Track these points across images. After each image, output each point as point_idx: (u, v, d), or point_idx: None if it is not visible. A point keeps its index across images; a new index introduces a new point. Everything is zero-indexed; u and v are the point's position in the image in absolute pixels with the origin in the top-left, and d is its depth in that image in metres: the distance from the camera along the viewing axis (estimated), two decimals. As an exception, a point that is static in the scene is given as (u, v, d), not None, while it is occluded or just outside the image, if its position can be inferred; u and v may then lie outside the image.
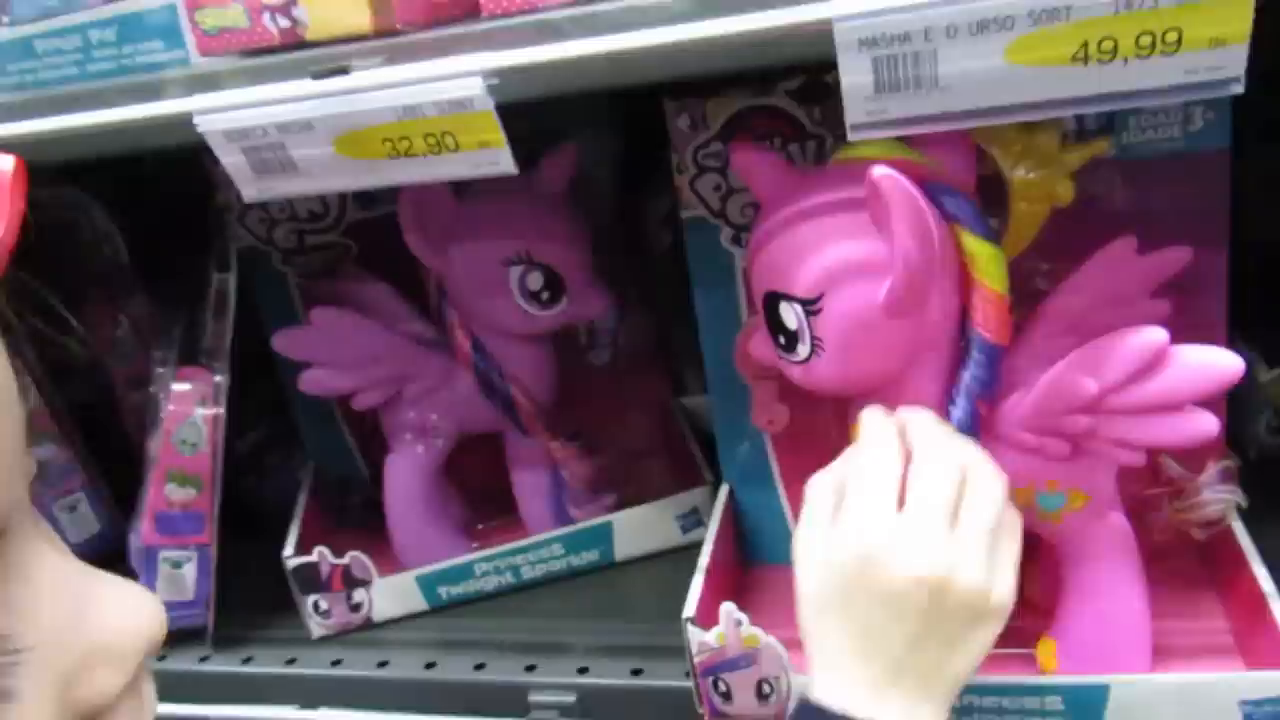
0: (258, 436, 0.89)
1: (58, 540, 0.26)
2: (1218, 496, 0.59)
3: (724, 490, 0.69)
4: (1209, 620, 0.59)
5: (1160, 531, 0.60)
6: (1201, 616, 0.60)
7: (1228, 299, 0.59)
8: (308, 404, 0.81)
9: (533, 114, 0.47)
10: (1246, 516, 0.60)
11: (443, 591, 0.75)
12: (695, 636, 0.56)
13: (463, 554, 0.75)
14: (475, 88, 0.44)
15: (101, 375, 0.86)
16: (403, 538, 0.76)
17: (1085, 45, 0.38)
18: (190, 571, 0.72)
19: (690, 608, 0.57)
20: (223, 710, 0.70)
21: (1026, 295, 0.54)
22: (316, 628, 0.73)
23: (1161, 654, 0.56)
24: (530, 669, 0.67)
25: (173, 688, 0.71)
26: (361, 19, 0.47)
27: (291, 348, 0.70)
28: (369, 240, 0.77)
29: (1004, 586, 0.45)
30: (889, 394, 0.51)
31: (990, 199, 0.52)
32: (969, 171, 0.51)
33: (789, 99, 0.59)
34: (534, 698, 0.64)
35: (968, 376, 0.50)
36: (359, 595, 0.73)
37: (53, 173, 0.76)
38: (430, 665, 0.69)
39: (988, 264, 0.49)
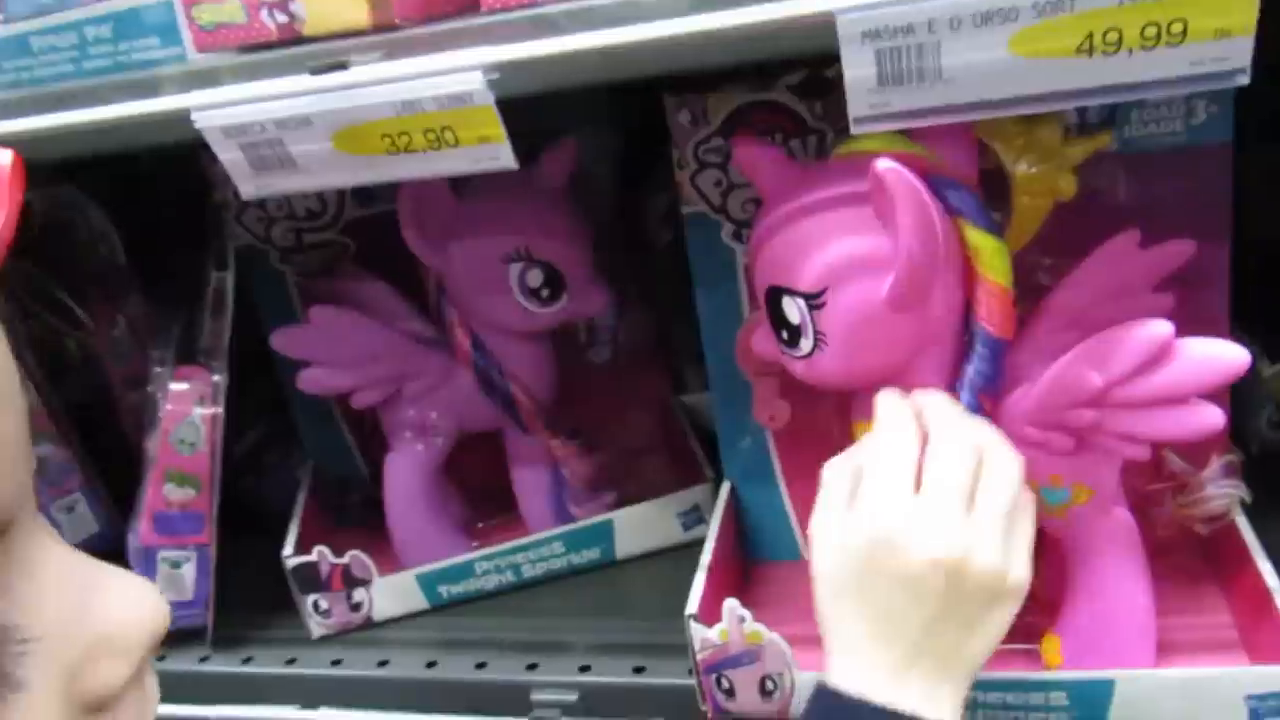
0: (256, 436, 0.89)
1: (58, 535, 0.26)
2: (1221, 491, 0.59)
3: (726, 487, 0.69)
4: (1213, 615, 0.59)
5: (1163, 527, 0.60)
6: (1205, 612, 0.59)
7: (1230, 293, 0.59)
8: (306, 403, 0.80)
9: (531, 110, 0.47)
10: (1249, 511, 0.60)
11: (443, 590, 0.74)
12: (698, 633, 0.56)
13: (463, 553, 0.74)
14: (475, 82, 0.43)
15: (99, 375, 0.85)
16: (403, 536, 0.75)
17: (1090, 36, 0.38)
18: (189, 571, 0.72)
19: (693, 605, 0.57)
20: (223, 711, 0.70)
21: (1029, 290, 0.54)
22: (316, 627, 0.73)
23: (1165, 649, 0.55)
24: (532, 668, 0.66)
25: (172, 688, 0.70)
26: (359, 14, 0.47)
27: (290, 346, 0.70)
28: (367, 238, 0.77)
29: (1020, 568, 0.45)
30: (893, 388, 0.51)
31: (992, 193, 0.52)
32: (971, 165, 0.50)
33: (790, 94, 0.59)
34: (536, 696, 0.64)
35: (971, 370, 0.50)
36: (359, 594, 0.73)
37: (49, 171, 0.76)
38: (431, 664, 0.69)
39: (991, 257, 0.49)
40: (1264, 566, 0.56)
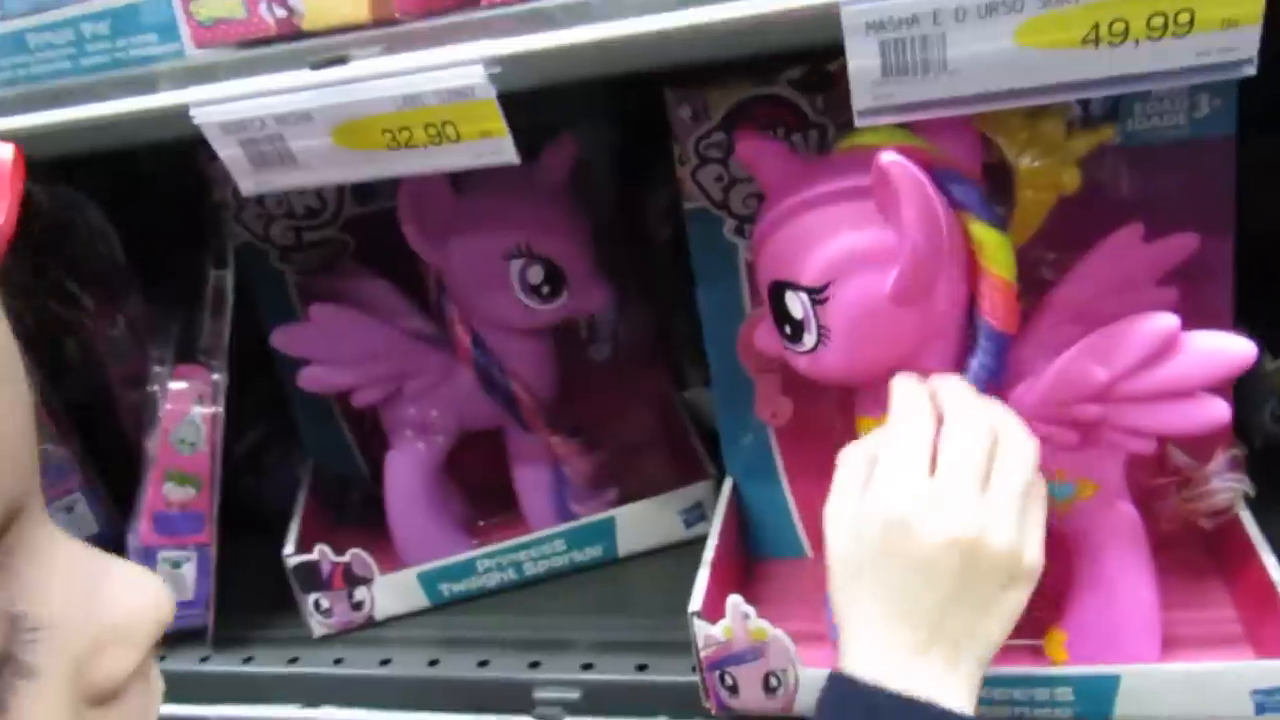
0: (256, 435, 0.89)
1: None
2: (1226, 485, 0.59)
3: (728, 484, 0.69)
4: (1217, 610, 0.59)
5: (1167, 521, 0.60)
6: (1210, 606, 0.59)
7: (1233, 287, 0.58)
8: (306, 402, 0.80)
9: (531, 106, 0.47)
10: (1253, 506, 0.60)
11: (445, 589, 0.74)
12: (702, 630, 0.56)
13: (464, 551, 0.74)
14: (476, 76, 0.43)
15: (98, 375, 0.85)
16: (404, 535, 0.75)
17: (1096, 27, 0.38)
18: (190, 571, 0.72)
19: (696, 601, 0.57)
20: (224, 710, 0.70)
21: (1032, 284, 0.53)
22: (318, 626, 0.73)
23: (1170, 644, 0.55)
24: (534, 666, 0.66)
25: (173, 688, 0.69)
26: (359, 8, 0.47)
27: (290, 345, 0.70)
28: (367, 236, 0.77)
29: (1034, 549, 0.45)
30: (896, 384, 0.50)
31: (995, 188, 0.52)
32: (975, 158, 0.50)
33: (791, 88, 0.59)
34: (538, 694, 0.64)
35: (975, 365, 0.50)
36: (360, 593, 0.73)
37: (47, 168, 0.75)
38: (433, 663, 0.68)
39: (995, 251, 0.49)
40: (1268, 560, 0.55)
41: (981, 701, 0.53)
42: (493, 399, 0.72)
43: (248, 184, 0.50)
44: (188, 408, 0.71)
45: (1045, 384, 0.49)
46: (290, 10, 0.47)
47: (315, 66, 0.45)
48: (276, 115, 0.47)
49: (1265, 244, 0.60)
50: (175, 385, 0.71)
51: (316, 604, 0.72)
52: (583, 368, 0.79)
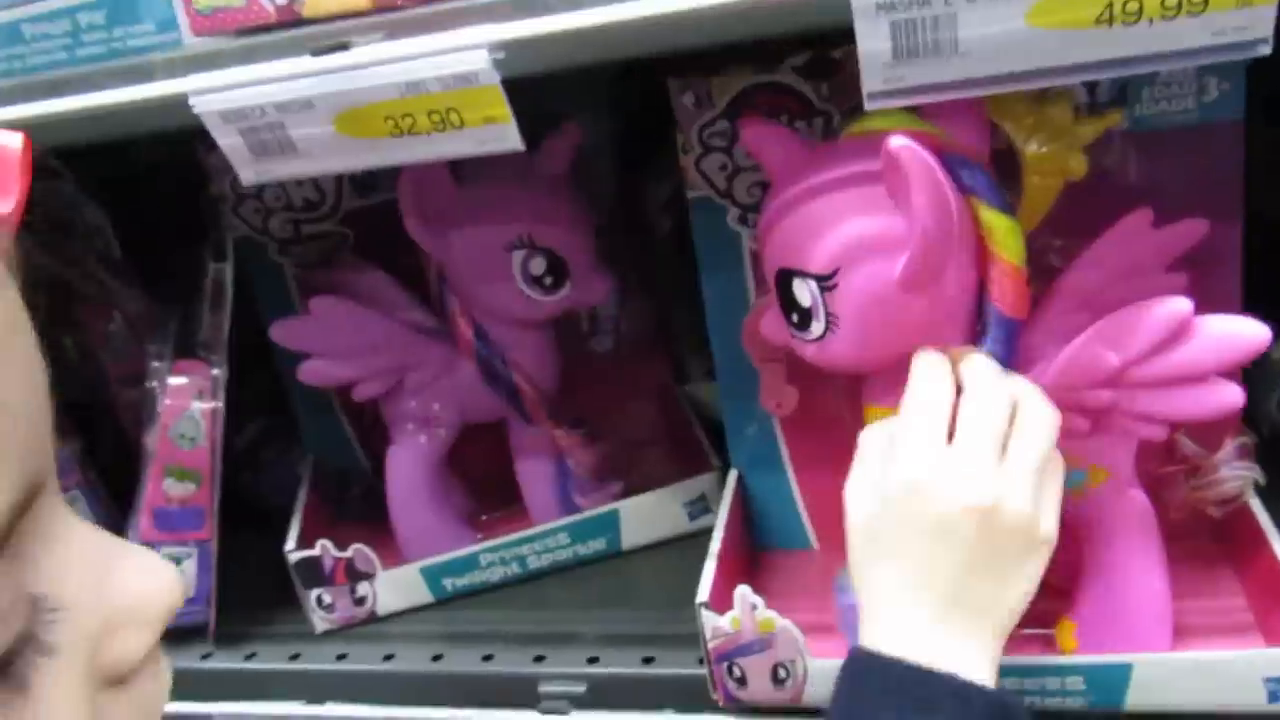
0: (255, 431, 0.88)
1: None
2: (1235, 474, 0.59)
3: (733, 475, 0.69)
4: (1228, 598, 0.59)
5: (1176, 510, 0.60)
6: (1220, 595, 0.59)
7: (1241, 273, 0.58)
8: (306, 396, 0.80)
9: (531, 95, 0.46)
10: (1263, 494, 0.59)
11: (448, 583, 0.74)
12: (709, 621, 0.55)
13: (467, 545, 0.74)
14: (480, 61, 0.42)
15: (96, 371, 0.84)
16: (406, 530, 0.75)
17: (1109, 6, 0.37)
18: (190, 568, 0.71)
19: (704, 593, 0.56)
20: (227, 708, 0.69)
21: (1040, 271, 0.53)
22: (320, 622, 0.72)
23: (1180, 633, 0.55)
24: (539, 659, 0.65)
25: (175, 686, 0.68)
26: (361, -6, 0.46)
27: (290, 338, 0.69)
28: (366, 229, 0.76)
29: (1050, 520, 0.45)
30: (905, 371, 0.50)
31: (1003, 174, 0.51)
32: (983, 143, 0.50)
33: (795, 75, 0.58)
34: (544, 688, 0.63)
35: (985, 351, 0.49)
36: (363, 588, 0.72)
37: (42, 162, 0.74)
38: (437, 658, 0.68)
39: (1005, 237, 0.48)
40: (1279, 548, 0.55)
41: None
42: (495, 391, 0.71)
43: (248, 173, 0.50)
44: (187, 403, 0.70)
45: (1056, 369, 0.49)
46: (290, -3, 0.47)
47: (316, 53, 0.45)
48: (277, 103, 0.46)
49: (1274, 230, 0.60)
50: (174, 380, 0.70)
51: (319, 599, 0.72)
52: (584, 360, 0.79)
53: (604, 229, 0.70)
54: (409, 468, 0.74)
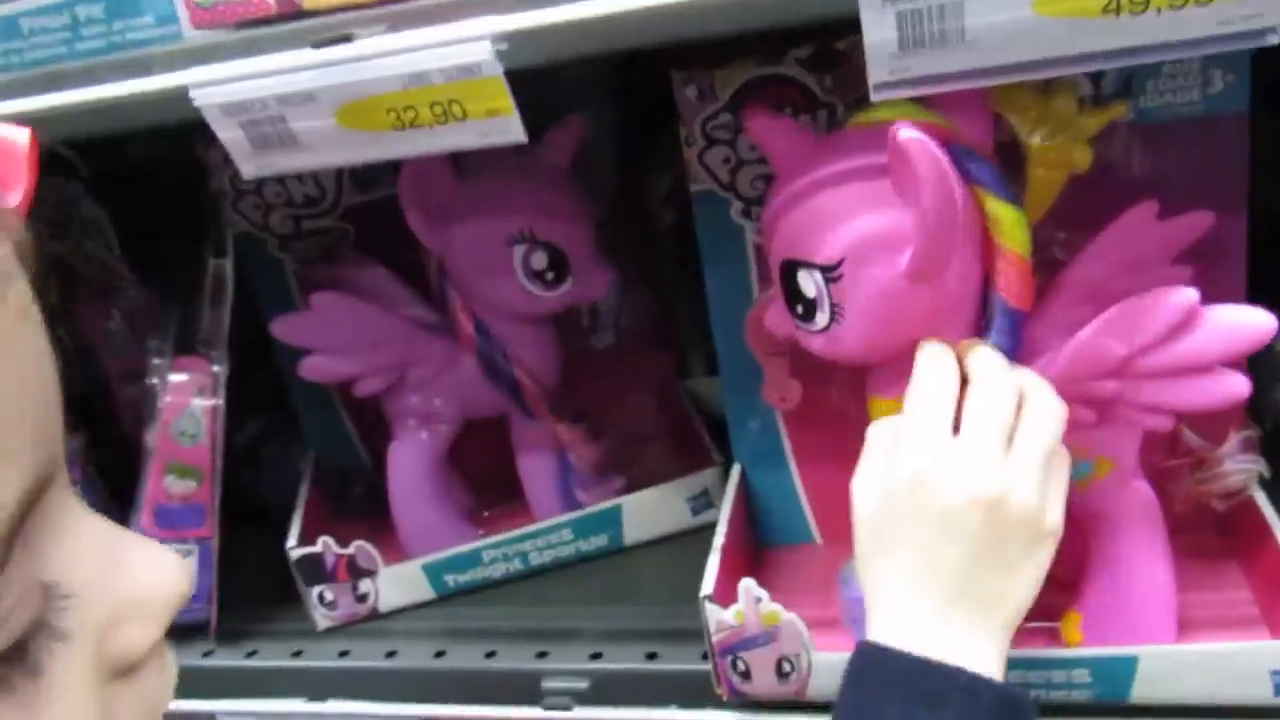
0: (255, 428, 0.88)
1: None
2: (1240, 467, 0.58)
3: (736, 469, 0.68)
4: (1233, 591, 0.59)
5: (1181, 503, 0.59)
6: (1225, 588, 0.59)
7: (1246, 266, 0.58)
8: (307, 393, 0.79)
9: (531, 89, 0.46)
10: (1267, 486, 0.59)
11: (450, 580, 0.73)
12: (714, 615, 0.55)
13: (469, 541, 0.73)
14: (483, 52, 0.42)
15: (95, 369, 0.84)
16: (408, 526, 0.74)
17: (1117, -5, 0.37)
18: (191, 566, 0.71)
19: (708, 586, 0.56)
20: (229, 705, 0.69)
21: (1044, 264, 0.53)
22: (322, 619, 0.72)
23: (1185, 626, 0.55)
24: (542, 655, 0.65)
25: (177, 683, 0.69)
26: (362, -15, 0.46)
27: (291, 334, 0.69)
28: (366, 224, 0.76)
29: (1056, 512, 0.45)
30: (910, 362, 0.50)
31: (1007, 166, 0.51)
32: (988, 134, 0.50)
33: (799, 67, 0.58)
34: (547, 684, 0.63)
35: (990, 342, 0.49)
36: (365, 585, 0.72)
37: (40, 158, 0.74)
38: (440, 654, 0.68)
39: (1011, 227, 0.48)
40: (1285, 540, 0.55)
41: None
42: (496, 386, 0.71)
43: (248, 167, 0.49)
44: (188, 399, 0.70)
45: (1063, 360, 0.49)
46: (291, -11, 0.46)
47: (318, 45, 0.45)
48: (278, 96, 0.46)
49: (1278, 222, 0.60)
50: (175, 377, 0.70)
51: (320, 596, 0.71)
52: (585, 355, 0.79)
53: (605, 223, 0.70)
54: (410, 464, 0.74)
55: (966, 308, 0.50)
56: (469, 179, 0.65)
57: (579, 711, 0.63)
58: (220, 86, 0.46)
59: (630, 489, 0.75)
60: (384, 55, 0.44)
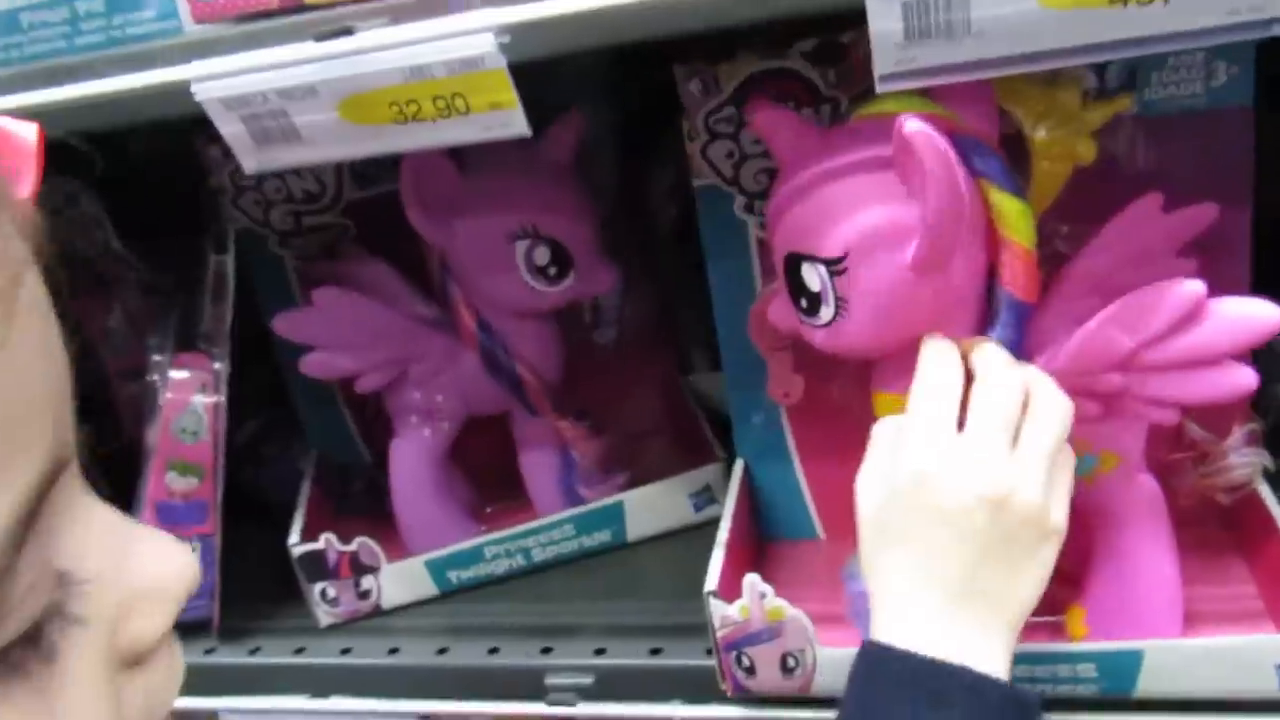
0: (256, 426, 0.88)
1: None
2: (1244, 460, 0.58)
3: (739, 464, 0.68)
4: (1237, 585, 0.58)
5: (1185, 497, 0.59)
6: (1230, 582, 0.59)
7: (1250, 259, 0.58)
8: (308, 389, 0.79)
9: (531, 84, 0.46)
10: (1272, 480, 0.59)
11: (452, 576, 0.73)
12: (718, 610, 0.55)
13: (471, 538, 0.73)
14: (486, 45, 0.42)
15: (95, 366, 0.84)
16: (410, 523, 0.74)
17: (1124, -15, 0.37)
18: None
19: (712, 581, 0.56)
20: (232, 702, 0.69)
21: (1047, 258, 0.53)
22: (324, 616, 0.72)
23: (1190, 620, 0.55)
24: (546, 651, 0.65)
25: (179, 680, 0.69)
26: (364, -22, 0.45)
27: (292, 330, 0.68)
28: (367, 220, 0.76)
29: (1060, 510, 0.45)
30: (914, 356, 0.49)
31: (1011, 159, 0.51)
32: (993, 126, 0.49)
33: (803, 60, 0.58)
34: (550, 680, 0.63)
35: (995, 336, 0.49)
36: (367, 582, 0.72)
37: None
38: (443, 651, 0.67)
39: (1016, 220, 0.48)
40: (1289, 534, 0.55)
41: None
42: (498, 382, 0.71)
43: (250, 162, 0.49)
44: (189, 397, 0.69)
45: (1068, 353, 0.48)
46: (292, -18, 0.46)
47: (319, 38, 0.44)
48: (280, 90, 0.45)
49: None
50: (176, 374, 0.69)
51: (323, 593, 0.71)
52: (587, 351, 0.78)
53: (607, 218, 0.70)
54: (412, 460, 0.74)
55: (971, 301, 0.49)
56: (471, 174, 0.65)
57: (583, 707, 0.62)
58: (221, 80, 0.46)
59: (633, 485, 0.74)
60: (386, 48, 0.43)
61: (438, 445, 0.74)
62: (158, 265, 0.81)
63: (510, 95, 0.43)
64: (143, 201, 0.81)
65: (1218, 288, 0.47)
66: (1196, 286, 0.45)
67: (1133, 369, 0.47)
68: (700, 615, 0.56)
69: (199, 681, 0.69)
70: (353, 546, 0.70)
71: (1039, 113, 0.51)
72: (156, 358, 0.72)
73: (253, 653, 0.71)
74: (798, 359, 0.63)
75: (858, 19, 0.40)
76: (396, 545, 0.74)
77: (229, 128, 0.48)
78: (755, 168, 0.61)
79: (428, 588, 0.73)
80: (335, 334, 0.69)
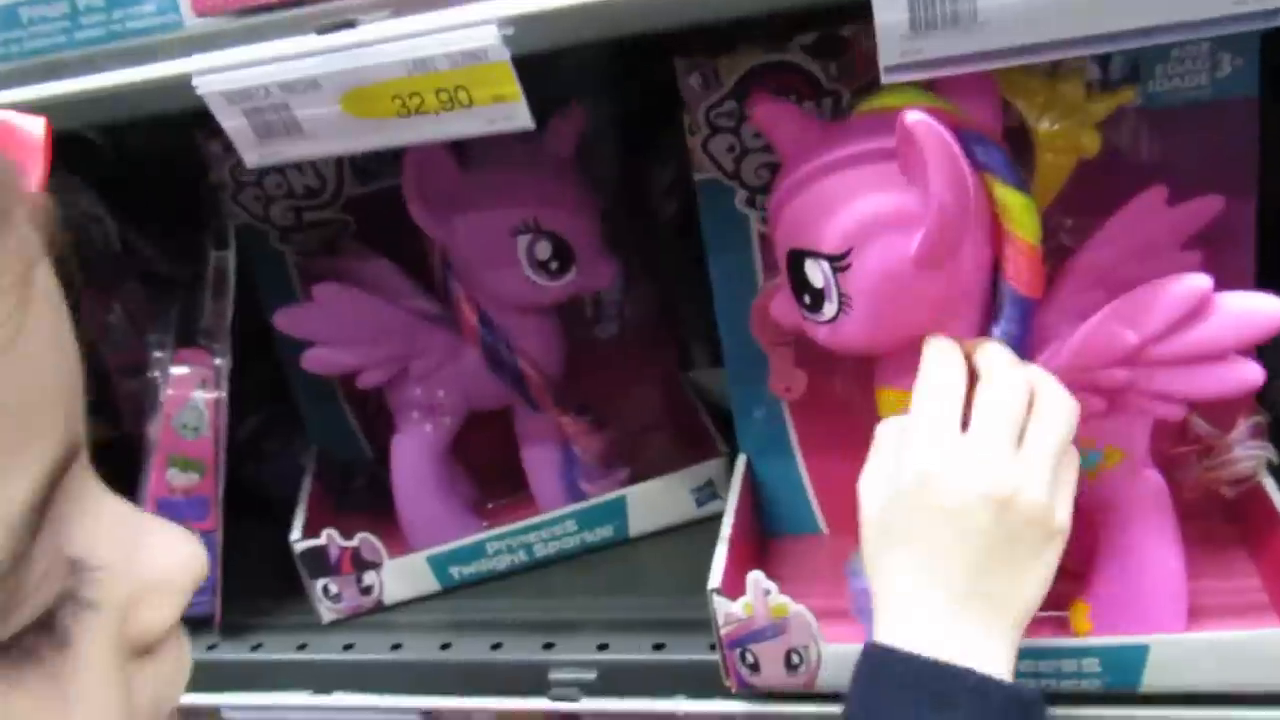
0: (256, 422, 0.87)
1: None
2: (1249, 453, 0.58)
3: (742, 459, 0.68)
4: (1242, 579, 0.58)
5: (1189, 490, 0.59)
6: (1234, 575, 0.58)
7: (1255, 250, 0.58)
8: (309, 385, 0.79)
9: (533, 78, 0.46)
10: (1276, 473, 0.59)
11: (455, 572, 0.73)
12: (722, 607, 0.55)
13: (473, 533, 0.73)
14: (490, 37, 0.42)
15: (95, 363, 0.83)
16: (412, 518, 0.74)
17: (1132, -25, 0.37)
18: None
19: (715, 578, 0.56)
20: (234, 699, 0.69)
21: (1051, 251, 0.52)
22: (327, 612, 0.72)
23: (1195, 614, 0.54)
24: (548, 647, 0.65)
25: (181, 677, 0.69)
26: (366, -29, 0.45)
27: (293, 326, 0.68)
28: (368, 216, 0.75)
29: (1064, 511, 0.44)
30: (919, 352, 0.49)
31: (1015, 152, 0.50)
32: (997, 119, 0.49)
33: (804, 54, 0.57)
34: (554, 675, 0.63)
35: (999, 332, 0.49)
36: (369, 578, 0.72)
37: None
38: (445, 646, 0.67)
39: (1020, 214, 0.48)
40: (1294, 527, 0.55)
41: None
42: (500, 377, 0.70)
43: (252, 156, 0.49)
44: (190, 392, 0.69)
45: (1072, 349, 0.48)
46: (293, -25, 0.46)
47: (322, 31, 0.44)
48: (282, 83, 0.45)
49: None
50: (177, 370, 0.69)
51: (325, 589, 0.71)
52: (589, 346, 0.78)
53: (608, 213, 0.70)
54: (414, 456, 0.74)
55: (976, 296, 0.49)
56: (472, 169, 0.65)
57: (586, 702, 0.62)
58: (223, 74, 0.46)
59: (635, 480, 0.74)
60: (388, 41, 0.43)
61: (439, 441, 0.74)
62: (158, 261, 0.81)
63: (514, 88, 0.43)
64: (143, 197, 0.80)
65: (1222, 280, 0.47)
66: (1202, 282, 0.45)
67: (1138, 364, 0.47)
68: (703, 610, 0.56)
69: (201, 678, 0.69)
70: (355, 542, 0.70)
71: (1042, 105, 0.51)
72: (157, 354, 0.71)
73: (255, 649, 0.71)
74: (799, 354, 0.63)
75: (859, 12, 0.40)
76: (398, 541, 0.74)
77: (231, 121, 0.48)
78: (756, 162, 0.60)
79: (430, 583, 0.73)
80: (336, 329, 0.68)
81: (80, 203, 0.81)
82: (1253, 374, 0.46)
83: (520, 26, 0.42)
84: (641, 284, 0.80)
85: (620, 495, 0.73)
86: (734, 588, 0.55)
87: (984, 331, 0.50)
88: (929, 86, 0.48)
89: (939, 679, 0.42)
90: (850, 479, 0.50)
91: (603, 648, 0.64)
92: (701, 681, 0.60)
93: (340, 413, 0.82)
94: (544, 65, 0.46)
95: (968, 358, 0.47)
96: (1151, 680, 0.52)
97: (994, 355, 0.47)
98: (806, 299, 0.51)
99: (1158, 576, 0.53)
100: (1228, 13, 0.37)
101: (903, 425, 0.47)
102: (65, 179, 0.79)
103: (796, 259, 0.50)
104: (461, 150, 0.64)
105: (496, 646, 0.66)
